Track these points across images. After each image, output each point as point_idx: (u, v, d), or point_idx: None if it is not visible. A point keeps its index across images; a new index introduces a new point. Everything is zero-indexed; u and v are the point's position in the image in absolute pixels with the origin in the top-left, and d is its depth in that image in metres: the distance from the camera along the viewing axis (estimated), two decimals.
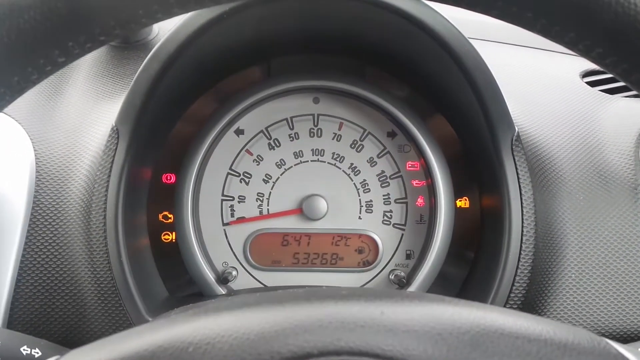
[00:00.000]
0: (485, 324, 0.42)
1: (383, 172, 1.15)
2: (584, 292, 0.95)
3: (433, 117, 1.17)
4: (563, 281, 0.95)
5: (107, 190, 0.95)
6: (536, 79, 1.24)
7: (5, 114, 1.05)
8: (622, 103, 1.17)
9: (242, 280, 1.15)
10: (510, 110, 0.98)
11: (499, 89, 0.96)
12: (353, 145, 1.15)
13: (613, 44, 0.45)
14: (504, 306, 0.96)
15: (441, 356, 0.40)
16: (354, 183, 1.15)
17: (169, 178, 1.14)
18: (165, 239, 1.14)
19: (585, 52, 0.47)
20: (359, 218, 1.15)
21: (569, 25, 0.46)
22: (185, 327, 0.43)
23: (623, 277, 0.96)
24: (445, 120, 1.17)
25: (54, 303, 0.96)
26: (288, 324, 0.41)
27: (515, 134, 0.98)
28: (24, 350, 0.70)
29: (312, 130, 1.15)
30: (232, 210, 1.15)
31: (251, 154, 1.15)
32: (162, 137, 1.14)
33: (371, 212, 1.15)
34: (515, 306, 0.96)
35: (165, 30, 1.15)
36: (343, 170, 1.15)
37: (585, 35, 0.46)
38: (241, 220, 1.15)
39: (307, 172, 1.15)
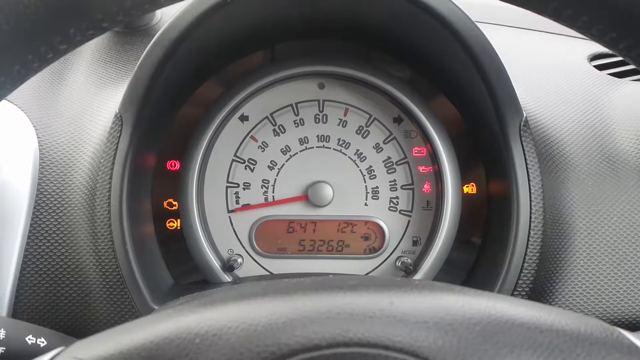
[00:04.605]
0: (497, 315, 0.42)
1: (389, 158, 1.14)
2: (593, 279, 0.95)
3: (436, 97, 1.16)
4: (571, 268, 0.95)
5: (111, 178, 0.95)
6: (544, 63, 1.22)
7: (7, 101, 1.04)
8: (631, 87, 1.15)
9: (248, 267, 1.14)
10: (518, 95, 0.96)
11: (507, 74, 0.95)
12: (359, 131, 1.14)
13: (627, 28, 0.44)
14: (512, 293, 0.95)
15: (452, 347, 0.39)
16: (360, 169, 1.14)
17: (173, 165, 1.13)
18: (170, 226, 1.14)
19: (598, 37, 0.46)
20: (365, 204, 1.14)
21: (581, 8, 0.44)
22: (191, 318, 0.42)
23: (632, 262, 0.95)
24: (447, 101, 1.15)
25: (59, 291, 0.96)
26: (296, 315, 0.41)
27: (524, 120, 0.96)
28: (29, 339, 0.70)
29: (317, 116, 1.14)
30: (237, 197, 1.14)
31: (256, 141, 1.14)
32: (166, 123, 1.13)
33: (377, 199, 1.14)
34: (524, 293, 0.95)
35: (168, 15, 1.13)
36: (349, 157, 1.14)
37: (598, 19, 0.45)
38: (246, 207, 1.15)
39: (312, 158, 1.14)
